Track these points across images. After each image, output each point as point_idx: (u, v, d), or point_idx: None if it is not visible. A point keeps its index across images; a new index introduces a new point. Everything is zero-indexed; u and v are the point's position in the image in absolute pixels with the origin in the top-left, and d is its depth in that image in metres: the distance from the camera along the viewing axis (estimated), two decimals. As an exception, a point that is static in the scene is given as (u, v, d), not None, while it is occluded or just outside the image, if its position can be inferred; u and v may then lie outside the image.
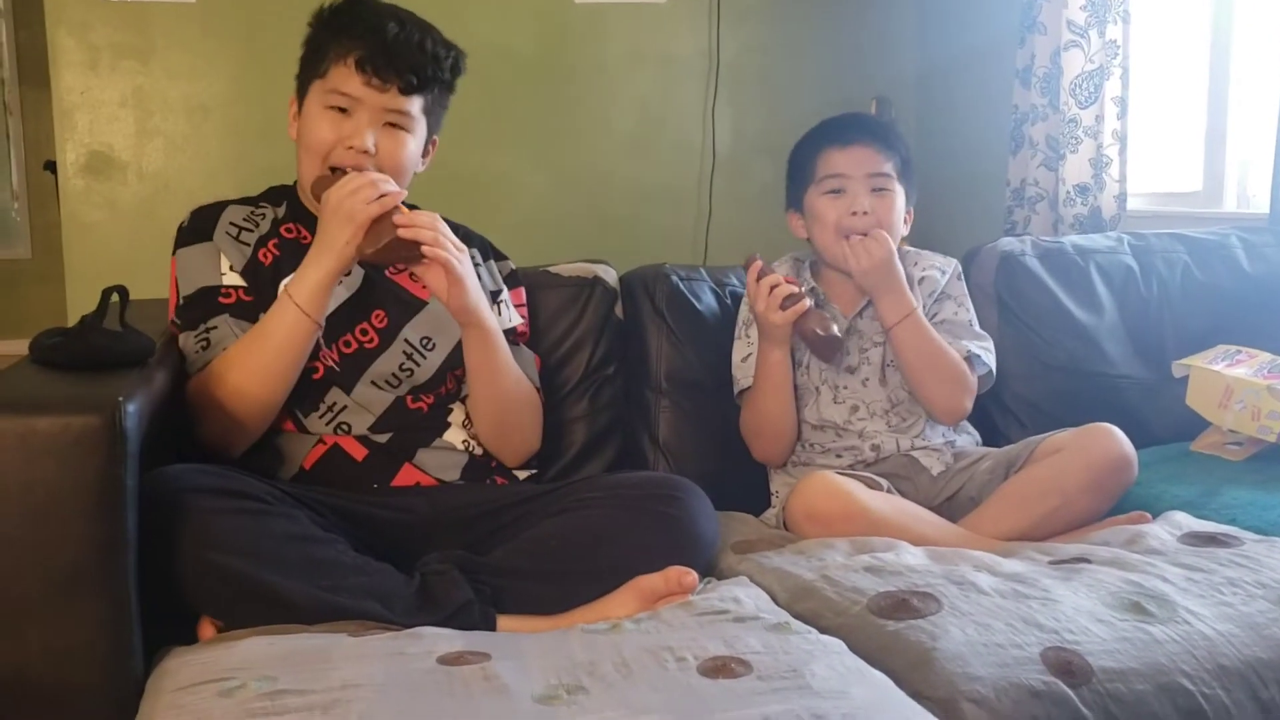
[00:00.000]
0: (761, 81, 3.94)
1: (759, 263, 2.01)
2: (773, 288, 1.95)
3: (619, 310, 2.23)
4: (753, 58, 3.93)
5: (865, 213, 2.04)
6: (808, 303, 1.95)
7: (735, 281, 2.27)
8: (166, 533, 1.44)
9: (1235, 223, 2.66)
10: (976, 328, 2.13)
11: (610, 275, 2.24)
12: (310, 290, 1.67)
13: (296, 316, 1.67)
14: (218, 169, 3.50)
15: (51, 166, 4.61)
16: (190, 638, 1.48)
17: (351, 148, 1.76)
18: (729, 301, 2.25)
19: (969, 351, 2.06)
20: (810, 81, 3.90)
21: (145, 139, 3.48)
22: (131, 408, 1.33)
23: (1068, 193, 3.06)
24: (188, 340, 1.77)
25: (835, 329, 1.96)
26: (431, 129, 1.87)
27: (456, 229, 1.91)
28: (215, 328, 1.77)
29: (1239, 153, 2.96)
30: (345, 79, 1.76)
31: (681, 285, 2.23)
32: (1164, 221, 2.86)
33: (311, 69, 1.81)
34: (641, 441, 2.20)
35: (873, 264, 2.01)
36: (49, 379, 1.49)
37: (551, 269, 2.20)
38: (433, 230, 1.67)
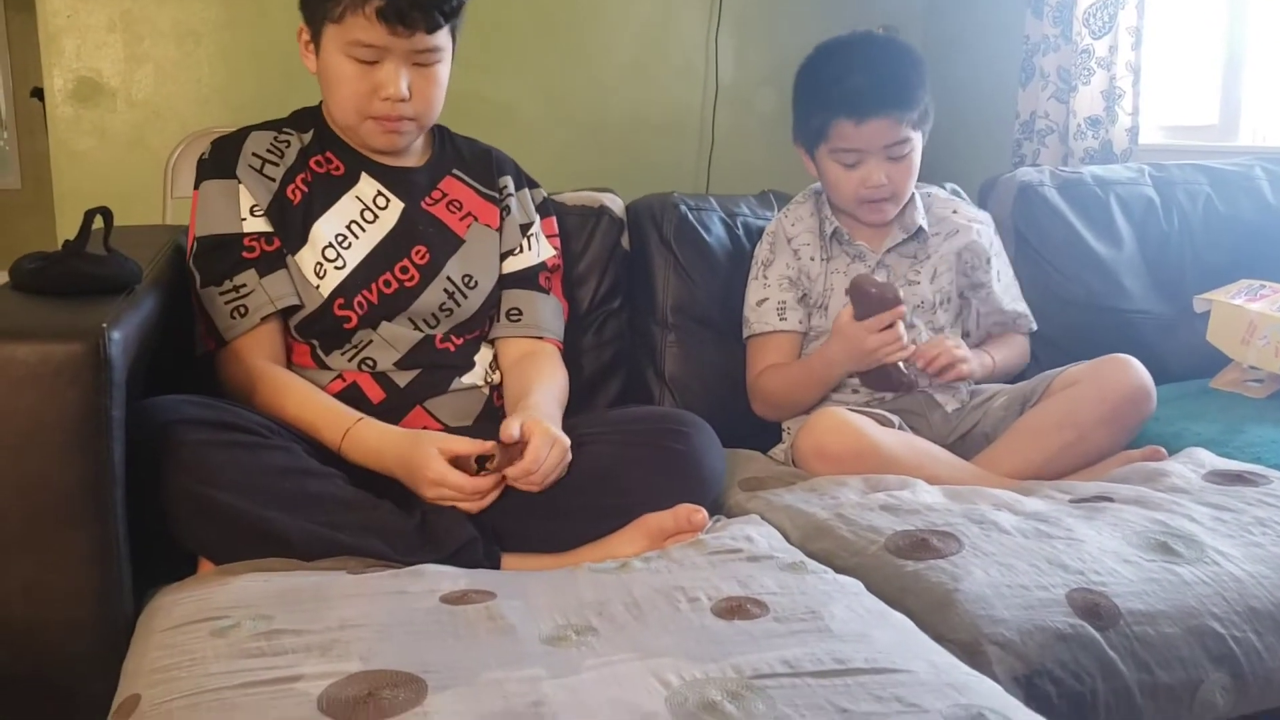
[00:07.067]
0: (765, 8, 3.84)
1: (892, 303, 1.86)
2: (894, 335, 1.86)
3: (625, 241, 2.16)
4: (757, -18, 3.83)
5: (883, 184, 1.96)
6: (910, 348, 1.89)
7: (746, 211, 2.20)
8: (156, 467, 1.38)
9: (1252, 156, 2.59)
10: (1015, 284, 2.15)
11: (617, 204, 2.16)
12: (359, 457, 1.59)
13: (332, 442, 1.59)
14: (209, 95, 3.41)
15: (38, 94, 4.50)
16: (185, 577, 1.42)
17: (387, 98, 1.68)
18: (740, 233, 2.17)
19: (1030, 328, 2.13)
20: (815, 8, 3.80)
21: (134, 65, 3.38)
22: (116, 335, 1.26)
23: (1078, 125, 2.99)
24: (213, 296, 1.69)
25: (919, 383, 1.95)
26: (455, 43, 1.77)
27: (483, 150, 1.89)
28: (247, 289, 1.69)
29: (1257, 85, 2.88)
30: (366, 29, 1.64)
31: (690, 215, 2.15)
32: (1177, 155, 2.78)
33: (321, 7, 1.68)
34: (647, 376, 2.13)
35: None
36: (29, 305, 1.42)
37: (556, 197, 2.11)
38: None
